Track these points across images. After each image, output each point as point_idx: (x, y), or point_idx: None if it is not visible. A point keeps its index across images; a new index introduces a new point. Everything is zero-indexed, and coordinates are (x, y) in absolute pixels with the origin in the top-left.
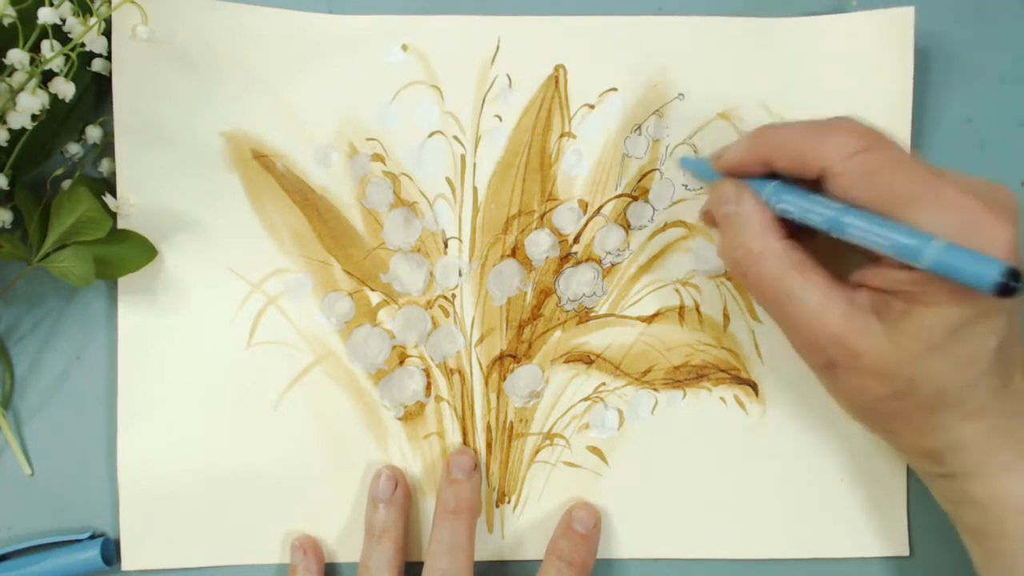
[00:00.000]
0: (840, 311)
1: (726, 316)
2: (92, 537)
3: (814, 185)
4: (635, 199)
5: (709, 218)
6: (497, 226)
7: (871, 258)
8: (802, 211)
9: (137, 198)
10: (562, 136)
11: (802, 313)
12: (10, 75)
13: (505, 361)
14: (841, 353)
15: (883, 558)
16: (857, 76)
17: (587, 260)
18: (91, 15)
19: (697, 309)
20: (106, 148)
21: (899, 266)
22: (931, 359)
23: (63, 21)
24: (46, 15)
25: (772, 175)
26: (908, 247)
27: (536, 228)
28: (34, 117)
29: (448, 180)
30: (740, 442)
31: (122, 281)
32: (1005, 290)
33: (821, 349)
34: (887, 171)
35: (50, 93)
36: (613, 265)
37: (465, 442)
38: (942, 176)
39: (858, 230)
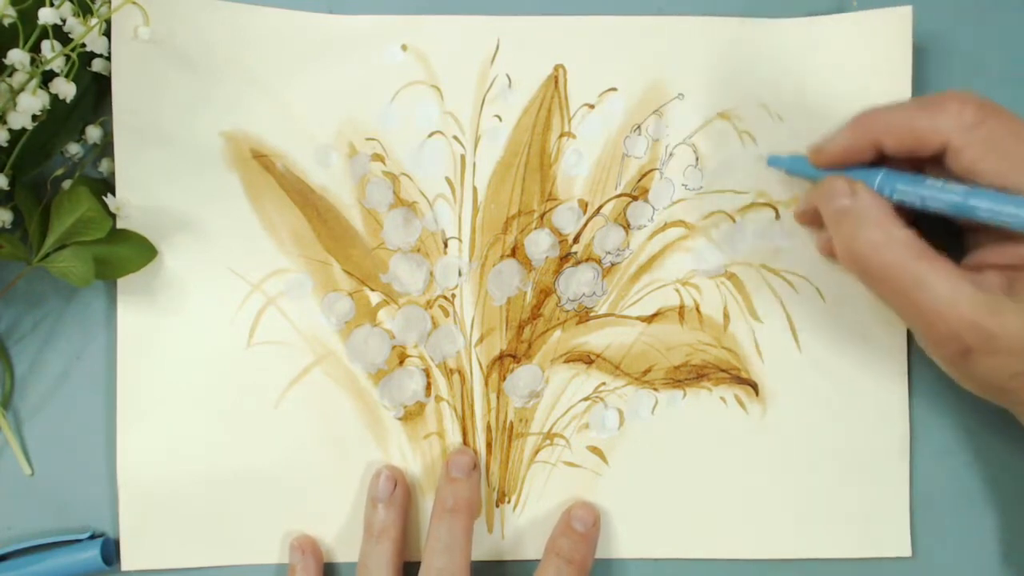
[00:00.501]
0: (971, 296)
1: (726, 316)
2: (92, 537)
3: (922, 166)
4: (635, 199)
5: (807, 218)
6: (497, 226)
7: (984, 238)
8: (922, 199)
9: (137, 198)
10: (562, 136)
11: (933, 303)
12: (10, 75)
13: (505, 361)
14: (977, 338)
15: (885, 558)
16: (857, 76)
17: (587, 260)
18: (91, 15)
19: (697, 309)
20: (106, 148)
21: (1022, 243)
22: None
23: (63, 21)
24: (46, 15)
25: (877, 162)
26: None
27: (536, 228)
28: (34, 117)
29: (448, 180)
30: (740, 442)
31: (122, 281)
32: None
33: (955, 337)
34: (1011, 141)
35: (50, 93)
36: (613, 265)
37: (465, 442)
38: None
39: (988, 211)
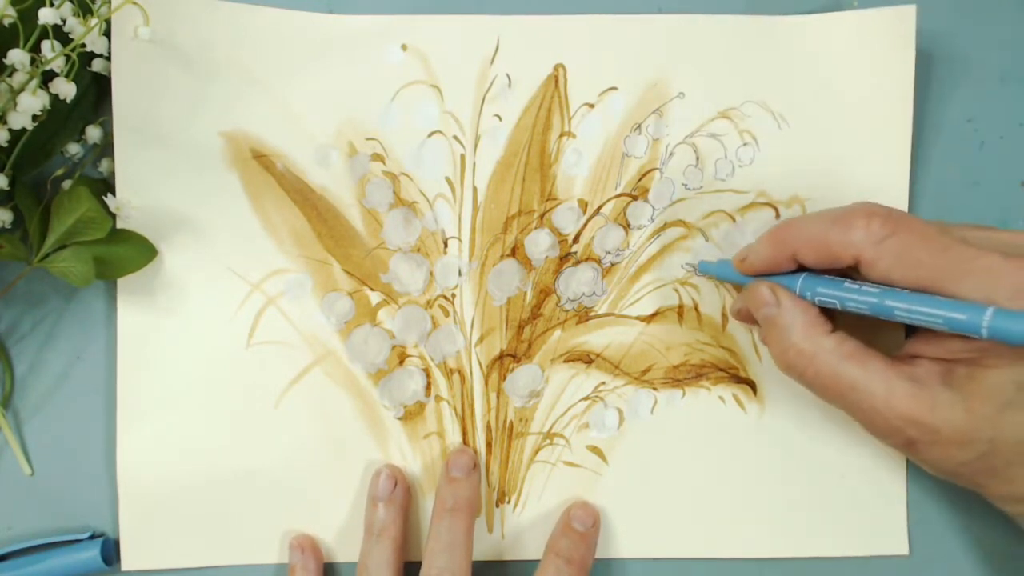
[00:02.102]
0: (907, 391)
1: (724, 316)
2: (92, 537)
3: (843, 272)
4: (635, 198)
5: (744, 315)
6: (497, 226)
7: (918, 328)
8: (842, 301)
9: (137, 198)
10: (562, 135)
11: (870, 402)
12: (11, 75)
13: (505, 361)
14: (918, 431)
15: (882, 557)
16: (857, 75)
17: (587, 260)
18: (91, 15)
19: (696, 308)
20: (106, 148)
21: (954, 335)
22: (1007, 416)
23: (63, 21)
24: (47, 15)
25: (800, 269)
26: (963, 322)
27: (536, 228)
28: (34, 117)
29: (448, 180)
30: (739, 441)
31: (122, 281)
32: None
33: (897, 431)
34: (922, 248)
35: (50, 93)
36: (613, 265)
37: (465, 442)
38: (972, 243)
39: (905, 312)
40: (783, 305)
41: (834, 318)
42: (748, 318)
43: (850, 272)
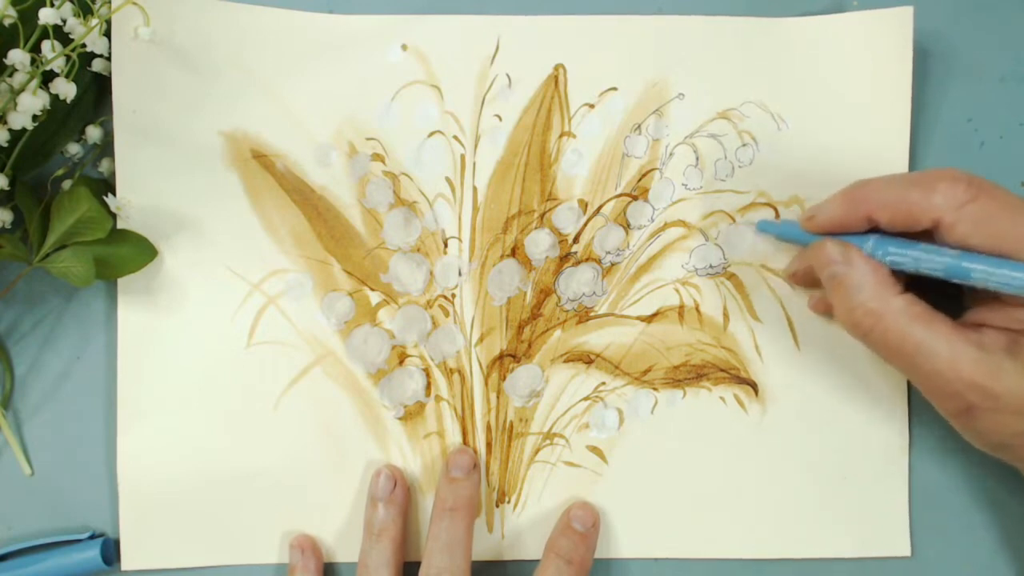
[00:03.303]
0: (972, 357)
1: (726, 316)
2: (92, 537)
3: (916, 236)
4: (635, 199)
5: (800, 278)
6: (497, 226)
7: (984, 297)
8: (915, 262)
9: (137, 198)
10: (562, 136)
11: (934, 365)
12: (11, 75)
13: (505, 361)
14: (979, 397)
15: (884, 558)
16: (857, 76)
17: (587, 260)
18: (92, 16)
19: (697, 309)
20: (106, 148)
21: (1021, 305)
22: None
23: (64, 21)
24: (47, 15)
25: (869, 230)
26: None
27: (536, 228)
28: (35, 117)
29: (448, 180)
30: (740, 441)
31: (122, 281)
32: None
33: (958, 396)
34: (1003, 216)
35: (51, 93)
36: (613, 265)
37: (465, 442)
38: None
39: (982, 274)
40: (854, 263)
41: (903, 282)
42: (804, 280)
43: (919, 238)
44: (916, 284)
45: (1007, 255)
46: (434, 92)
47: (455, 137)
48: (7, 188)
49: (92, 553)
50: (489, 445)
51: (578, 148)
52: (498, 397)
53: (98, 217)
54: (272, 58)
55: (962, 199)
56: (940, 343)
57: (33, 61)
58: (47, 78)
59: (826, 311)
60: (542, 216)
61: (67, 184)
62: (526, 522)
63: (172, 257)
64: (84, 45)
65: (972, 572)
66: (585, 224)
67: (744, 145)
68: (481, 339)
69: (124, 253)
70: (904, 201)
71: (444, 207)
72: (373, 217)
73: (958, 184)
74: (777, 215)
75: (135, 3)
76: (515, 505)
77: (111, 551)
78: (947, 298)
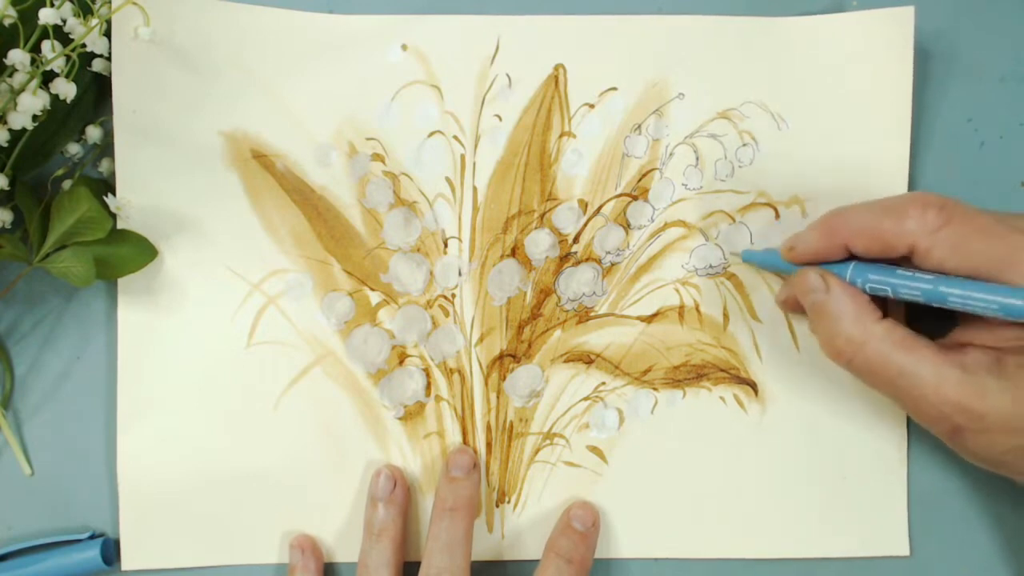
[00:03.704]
0: (955, 378)
1: (726, 316)
2: (92, 537)
3: (893, 263)
4: (635, 199)
5: (790, 305)
6: (497, 226)
7: (968, 316)
8: (894, 288)
9: (137, 198)
10: (562, 136)
11: (918, 390)
12: (11, 75)
13: (505, 361)
14: (966, 419)
15: (883, 558)
16: (857, 76)
17: (587, 260)
18: (92, 16)
19: (697, 309)
20: (106, 148)
21: (1006, 323)
22: None
23: (64, 22)
24: (47, 16)
25: (848, 258)
26: (1020, 307)
27: (536, 228)
28: (35, 117)
29: (448, 180)
30: (740, 442)
31: (122, 281)
32: None
33: (945, 418)
34: (977, 238)
35: (51, 93)
36: (613, 265)
37: (465, 442)
38: None
39: (959, 298)
40: (833, 292)
41: (882, 307)
42: (794, 307)
43: (899, 263)
44: (902, 305)
45: (984, 277)
46: (434, 92)
47: (455, 137)
48: (7, 188)
49: (92, 553)
50: (489, 445)
51: (578, 148)
52: (498, 397)
53: (98, 217)
54: (272, 58)
55: (934, 224)
56: (923, 367)
57: (33, 61)
58: (47, 78)
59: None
60: (542, 216)
61: (67, 184)
62: (526, 522)
63: (172, 257)
64: (84, 45)
65: (971, 571)
66: (585, 224)
67: (744, 145)
68: (481, 339)
69: (124, 253)
70: (878, 229)
71: (444, 207)
72: (373, 217)
73: (929, 209)
74: (777, 215)
75: (135, 3)
76: (515, 505)
77: (111, 551)
78: (936, 315)
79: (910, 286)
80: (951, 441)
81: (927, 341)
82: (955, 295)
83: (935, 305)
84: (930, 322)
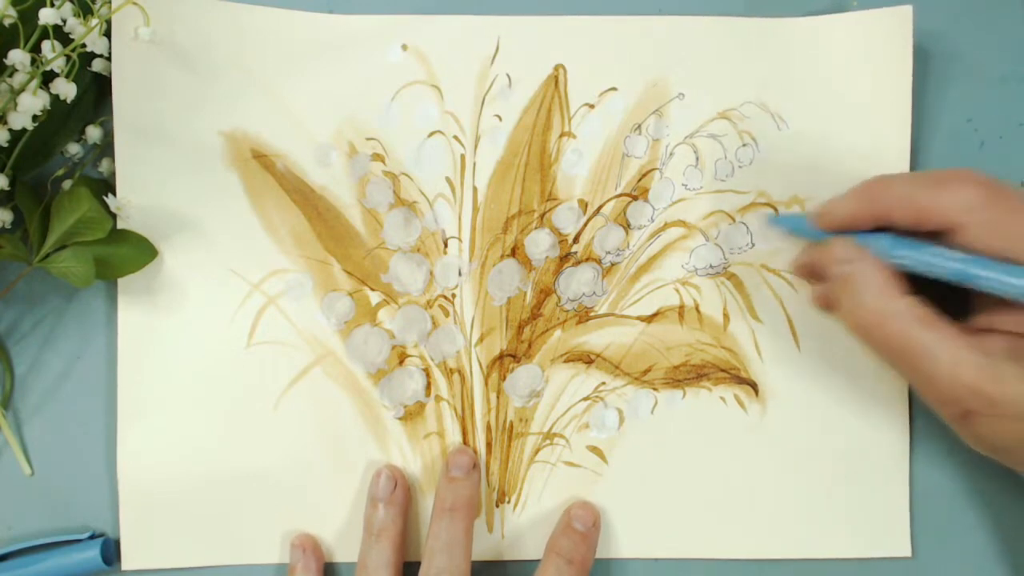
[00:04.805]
0: (974, 362)
1: (726, 316)
2: (92, 537)
3: (928, 236)
4: (635, 199)
5: (804, 271)
6: (497, 226)
7: (991, 301)
8: (924, 265)
9: (137, 198)
10: (562, 136)
11: (936, 369)
12: (11, 75)
13: (505, 361)
14: (979, 403)
15: (885, 558)
16: (857, 76)
17: (587, 260)
18: (92, 16)
19: (697, 309)
20: (106, 148)
21: None
22: None
23: (64, 22)
24: (47, 16)
25: (881, 228)
26: None
27: (536, 228)
28: (35, 117)
29: (448, 180)
30: (740, 442)
31: (122, 281)
32: None
33: (957, 401)
34: (1013, 220)
35: (51, 93)
36: (613, 265)
37: (465, 442)
38: None
39: (989, 280)
40: (861, 263)
41: (908, 284)
42: (809, 274)
43: (931, 238)
44: (928, 284)
45: (1017, 258)
46: (434, 92)
47: (455, 137)
48: (7, 188)
49: (92, 553)
50: (489, 445)
51: (578, 148)
52: (498, 397)
53: (98, 217)
54: (272, 58)
55: (975, 202)
56: (942, 347)
57: (33, 61)
58: (47, 78)
59: (826, 306)
60: (542, 216)
61: (67, 184)
62: (526, 522)
63: (172, 257)
64: (84, 45)
65: (973, 573)
66: (585, 224)
67: (744, 145)
68: (481, 339)
69: (124, 253)
70: (917, 201)
71: (444, 207)
72: (373, 217)
73: (972, 187)
74: (777, 215)
75: (135, 3)
76: (515, 505)
77: (111, 551)
78: (958, 298)
79: (941, 264)
80: (959, 425)
81: (949, 322)
82: (984, 276)
83: (964, 285)
84: (951, 309)
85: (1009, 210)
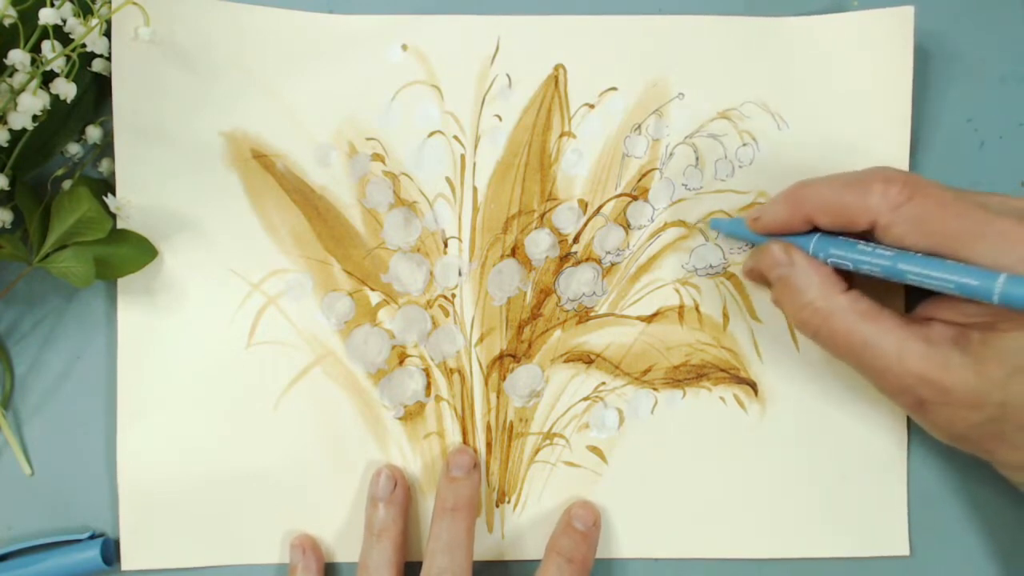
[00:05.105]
0: (920, 351)
1: (725, 316)
2: (92, 537)
3: (860, 235)
4: (635, 199)
5: (755, 275)
6: (497, 226)
7: (932, 292)
8: (854, 263)
9: (137, 198)
10: (562, 136)
11: (882, 361)
12: (11, 75)
13: (505, 361)
14: (929, 391)
15: (883, 558)
16: (857, 76)
17: (587, 260)
18: (92, 16)
19: (697, 309)
20: (106, 148)
21: (970, 299)
22: (1018, 381)
23: (64, 22)
24: (47, 16)
25: (812, 231)
26: (975, 287)
27: (536, 228)
28: (35, 117)
29: (448, 180)
30: (740, 442)
31: (122, 281)
32: None
33: (909, 390)
34: (938, 215)
35: (51, 93)
36: (613, 265)
37: (465, 442)
38: (988, 208)
39: (916, 276)
40: (797, 265)
41: (848, 279)
42: (758, 278)
43: (863, 236)
44: (868, 277)
45: (944, 252)
46: (434, 92)
47: (455, 137)
48: (7, 188)
49: (92, 553)
50: (489, 445)
51: (578, 148)
52: (498, 397)
53: (98, 217)
54: (272, 58)
55: (897, 200)
56: (887, 338)
57: (33, 61)
58: (47, 78)
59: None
60: (542, 216)
61: (67, 184)
62: (526, 522)
63: (172, 257)
64: (84, 45)
65: (971, 572)
66: (585, 224)
67: (744, 145)
68: (481, 339)
69: (124, 253)
70: (840, 203)
71: (444, 207)
72: (373, 217)
73: (892, 185)
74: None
75: (135, 3)
76: (515, 505)
77: (111, 551)
78: (913, 290)
79: (870, 261)
80: (917, 415)
81: (892, 313)
82: (913, 272)
83: (895, 281)
84: (898, 300)
85: (931, 206)
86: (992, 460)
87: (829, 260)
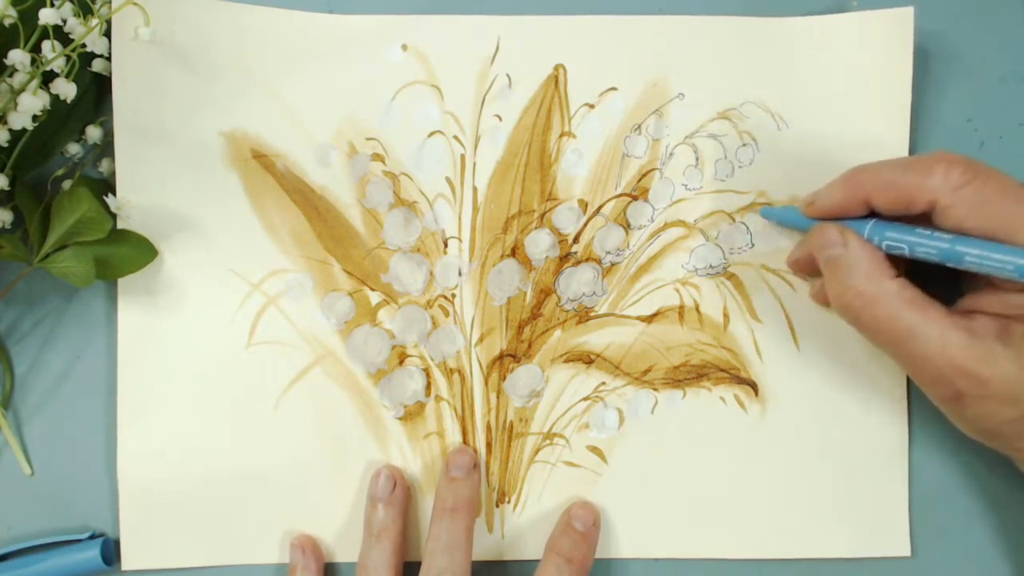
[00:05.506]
0: (962, 343)
1: (726, 316)
2: (92, 537)
3: (915, 220)
4: (635, 199)
5: (801, 265)
6: (497, 226)
7: (978, 283)
8: (911, 247)
9: (137, 198)
10: (562, 136)
11: (925, 350)
12: (11, 75)
13: (505, 361)
14: (968, 384)
15: (884, 558)
16: (857, 76)
17: (587, 260)
18: (92, 16)
19: (697, 309)
20: (106, 148)
21: (1017, 290)
22: None
23: (64, 22)
24: (47, 16)
25: (867, 215)
26: None
27: (536, 228)
28: (35, 117)
29: (448, 180)
30: (740, 442)
31: (122, 281)
32: None
33: (947, 382)
34: (998, 199)
35: (51, 93)
36: (613, 265)
37: (465, 442)
38: None
39: (976, 258)
40: (850, 246)
41: (897, 268)
42: (805, 268)
43: (918, 221)
44: (918, 272)
45: (1001, 239)
46: (434, 92)
47: (455, 137)
48: (7, 188)
49: (92, 553)
50: (489, 445)
51: (578, 148)
52: (498, 397)
53: (98, 217)
54: (272, 58)
55: (958, 182)
56: (931, 328)
57: (33, 61)
58: (47, 78)
59: (824, 302)
60: (542, 216)
61: (67, 184)
62: (526, 522)
63: (172, 257)
64: (84, 45)
65: (972, 572)
66: (585, 224)
67: (744, 145)
68: (481, 339)
69: (124, 253)
70: (900, 184)
71: (444, 207)
72: (373, 217)
73: (954, 167)
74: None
75: (135, 3)
76: (515, 505)
77: (111, 551)
78: (946, 285)
79: (927, 244)
80: (951, 407)
81: (937, 303)
82: (972, 255)
83: (951, 265)
84: (942, 293)
85: (992, 189)
86: (1019, 459)
87: (884, 244)
